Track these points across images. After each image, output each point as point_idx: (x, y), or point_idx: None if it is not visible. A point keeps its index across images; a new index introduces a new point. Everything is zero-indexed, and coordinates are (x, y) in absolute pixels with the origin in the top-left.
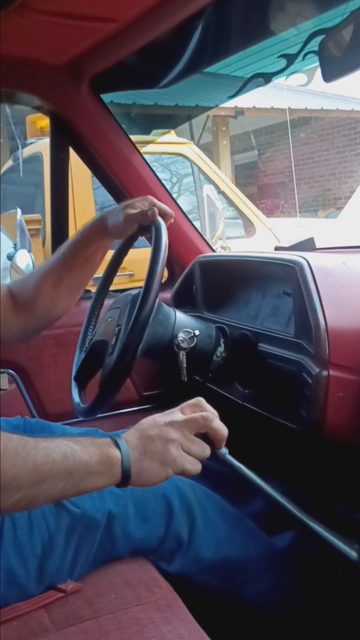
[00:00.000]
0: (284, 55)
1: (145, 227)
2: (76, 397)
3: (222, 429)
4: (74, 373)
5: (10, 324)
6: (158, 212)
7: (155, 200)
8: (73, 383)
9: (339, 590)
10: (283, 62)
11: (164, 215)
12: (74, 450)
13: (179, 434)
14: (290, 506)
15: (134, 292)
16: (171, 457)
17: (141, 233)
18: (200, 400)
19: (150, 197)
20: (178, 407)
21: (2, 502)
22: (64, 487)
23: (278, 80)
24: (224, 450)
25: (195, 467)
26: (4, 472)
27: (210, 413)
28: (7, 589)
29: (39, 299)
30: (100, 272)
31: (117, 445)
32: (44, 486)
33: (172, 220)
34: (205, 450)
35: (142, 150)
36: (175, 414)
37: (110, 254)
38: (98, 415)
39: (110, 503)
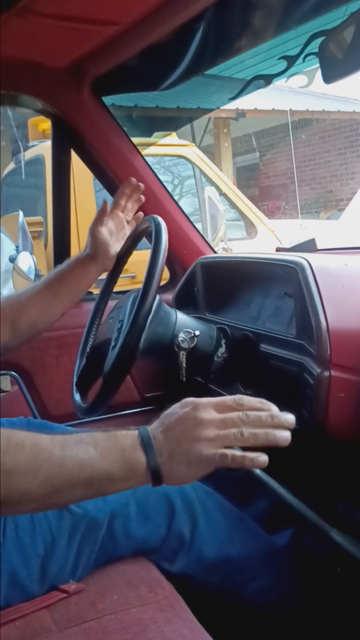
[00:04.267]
0: (284, 57)
1: (146, 227)
2: (77, 398)
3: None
4: (75, 380)
5: None
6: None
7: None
8: (74, 389)
9: (339, 587)
10: (284, 64)
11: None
12: (92, 458)
13: (208, 429)
14: (293, 505)
15: (135, 291)
16: (199, 459)
17: (144, 234)
18: (243, 398)
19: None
20: (212, 402)
21: (20, 511)
22: (84, 494)
23: (279, 82)
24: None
25: (221, 461)
26: (14, 487)
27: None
28: (9, 590)
29: (24, 320)
30: (103, 275)
31: (144, 447)
32: (59, 496)
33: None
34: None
35: (144, 152)
36: (202, 412)
37: None
38: (100, 417)
39: (113, 503)
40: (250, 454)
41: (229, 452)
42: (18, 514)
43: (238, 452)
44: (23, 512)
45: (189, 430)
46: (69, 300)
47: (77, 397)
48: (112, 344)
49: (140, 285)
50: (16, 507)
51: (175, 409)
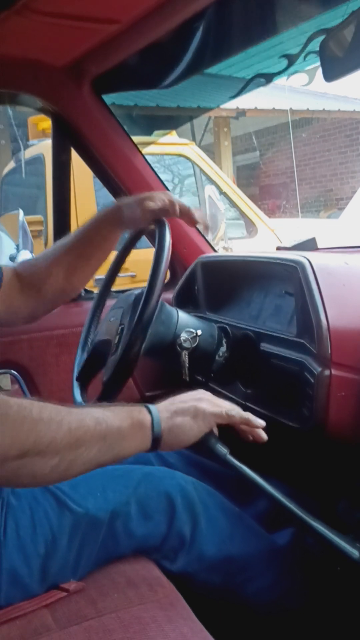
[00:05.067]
0: (285, 56)
1: (147, 226)
2: (78, 396)
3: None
4: (75, 373)
5: (17, 306)
6: (179, 211)
7: (175, 198)
8: (75, 383)
9: (339, 586)
10: (284, 63)
11: (185, 213)
12: (105, 415)
13: (210, 402)
14: (292, 505)
15: (136, 291)
16: (202, 411)
17: (143, 233)
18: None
19: (170, 193)
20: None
21: (42, 466)
22: (98, 452)
23: (279, 81)
24: (225, 451)
25: (226, 414)
26: (41, 435)
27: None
28: (10, 589)
29: (50, 284)
30: (102, 273)
31: (148, 410)
32: (80, 450)
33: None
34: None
35: (144, 151)
36: (208, 394)
37: (113, 254)
38: None
39: (113, 502)
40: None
41: (235, 409)
42: (43, 470)
43: (243, 412)
44: (48, 465)
45: (194, 394)
46: (97, 261)
47: (78, 395)
48: (113, 349)
49: (140, 285)
50: (42, 461)
51: (177, 395)
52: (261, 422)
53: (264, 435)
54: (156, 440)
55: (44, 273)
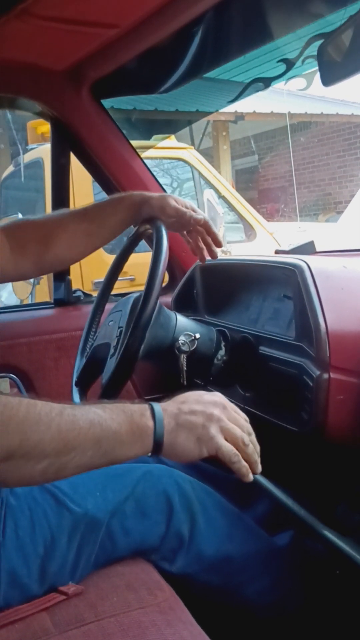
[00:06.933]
0: (283, 60)
1: (146, 230)
2: (77, 401)
3: (254, 454)
4: (75, 379)
5: (6, 271)
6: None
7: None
8: (74, 389)
9: (338, 589)
10: (282, 67)
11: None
12: (101, 417)
13: (223, 415)
14: (301, 512)
15: (135, 294)
16: (209, 435)
17: (142, 237)
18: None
19: (193, 205)
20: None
21: (30, 470)
22: (92, 456)
23: (278, 85)
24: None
25: (227, 450)
26: (26, 437)
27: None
28: (8, 589)
29: (49, 256)
30: (101, 277)
31: (153, 413)
32: (71, 454)
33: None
34: (244, 436)
35: (143, 155)
36: (223, 399)
37: (111, 258)
38: None
39: (113, 502)
40: (246, 464)
41: (233, 448)
42: (32, 473)
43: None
44: (36, 469)
45: (208, 407)
46: (103, 241)
47: (77, 399)
48: (111, 351)
49: (140, 288)
50: (29, 464)
51: (191, 393)
52: (247, 477)
53: (250, 476)
54: (157, 449)
55: (46, 244)
